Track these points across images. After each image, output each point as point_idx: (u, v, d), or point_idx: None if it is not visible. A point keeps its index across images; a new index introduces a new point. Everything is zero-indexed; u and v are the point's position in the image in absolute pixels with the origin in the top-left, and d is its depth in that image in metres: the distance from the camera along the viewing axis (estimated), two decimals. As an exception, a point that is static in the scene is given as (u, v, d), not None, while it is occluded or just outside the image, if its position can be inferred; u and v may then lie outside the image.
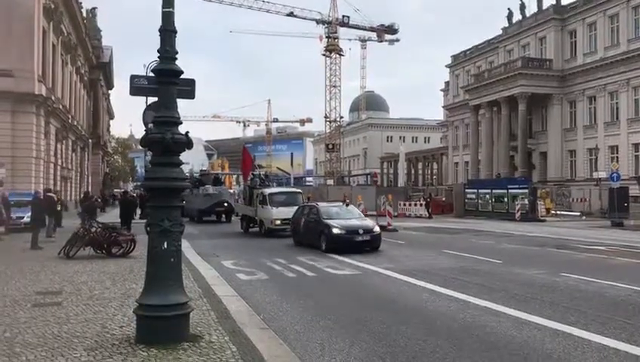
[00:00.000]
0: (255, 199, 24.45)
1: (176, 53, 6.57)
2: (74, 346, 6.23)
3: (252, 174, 28.74)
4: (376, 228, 17.76)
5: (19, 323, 7.31)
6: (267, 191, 24.44)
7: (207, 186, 34.74)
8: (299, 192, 26.08)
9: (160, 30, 6.51)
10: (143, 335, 6.31)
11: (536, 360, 6.22)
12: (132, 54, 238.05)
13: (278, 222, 22.53)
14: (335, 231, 17.09)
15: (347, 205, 20.70)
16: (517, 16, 56.17)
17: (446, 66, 70.27)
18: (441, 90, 75.90)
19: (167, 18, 6.49)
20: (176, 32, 6.56)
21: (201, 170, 54.08)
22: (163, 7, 6.49)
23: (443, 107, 74.95)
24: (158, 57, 6.55)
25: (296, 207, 21.75)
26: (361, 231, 17.16)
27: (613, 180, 30.90)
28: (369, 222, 18.49)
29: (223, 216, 34.13)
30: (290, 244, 19.82)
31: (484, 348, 6.73)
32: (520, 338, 7.12)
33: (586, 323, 7.84)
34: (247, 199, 26.30)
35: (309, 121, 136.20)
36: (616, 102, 45.58)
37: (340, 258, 15.54)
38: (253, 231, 25.10)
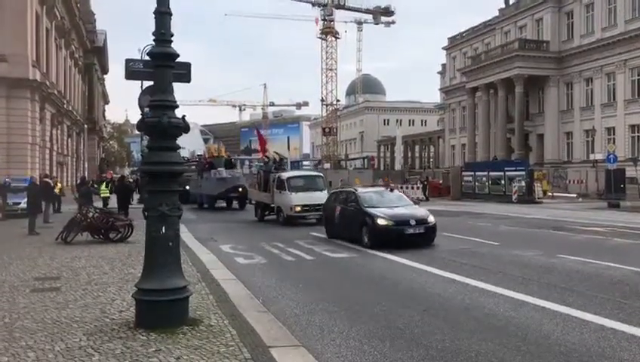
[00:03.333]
0: (272, 184, 22.44)
1: (172, 35, 6.50)
2: (73, 331, 6.24)
3: (266, 157, 26.61)
4: (431, 218, 14.55)
5: (18, 309, 7.31)
6: (285, 175, 22.33)
7: (220, 169, 31.08)
8: (320, 176, 23.87)
9: (155, 12, 6.43)
10: (142, 319, 6.32)
11: (534, 341, 6.26)
12: (127, 39, 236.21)
13: (299, 208, 20.74)
14: (381, 222, 14.09)
15: (391, 190, 17.52)
16: (514, -2, 55.86)
17: (442, 48, 69.90)
18: (438, 72, 75.68)
19: (162, 0, 6.41)
20: (171, 15, 6.49)
21: (198, 155, 53.26)
22: (158, -11, 6.41)
23: (440, 90, 74.76)
24: (154, 40, 6.48)
25: (317, 192, 20.67)
26: (412, 222, 14.12)
27: (610, 162, 30.91)
28: (421, 211, 15.22)
29: (236, 202, 31.47)
30: (290, 229, 19.83)
31: (482, 329, 6.76)
32: (518, 320, 7.16)
33: (584, 303, 7.88)
34: (262, 184, 23.99)
35: (306, 104, 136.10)
36: (613, 84, 45.46)
37: (338, 241, 15.56)
38: (269, 219, 23.08)
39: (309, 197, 20.64)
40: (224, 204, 32.30)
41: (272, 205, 22.54)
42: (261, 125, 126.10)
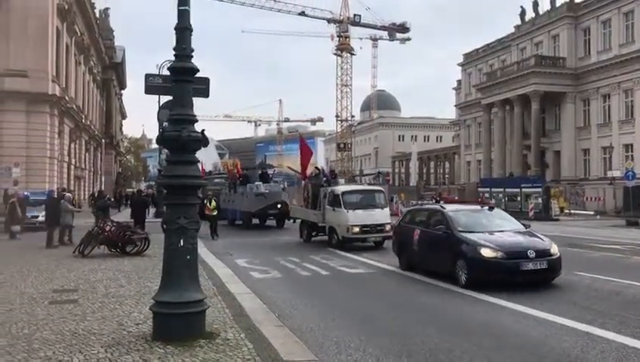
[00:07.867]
0: (322, 200, 19.27)
1: (192, 51, 6.59)
2: (91, 343, 6.27)
3: (317, 169, 23.30)
4: (555, 249, 10.84)
5: (37, 320, 7.38)
6: (340, 189, 19.13)
7: (257, 184, 27.64)
8: (381, 191, 20.18)
9: (176, 28, 6.55)
10: (159, 332, 6.34)
11: (554, 359, 6.17)
12: (144, 55, 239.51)
13: (357, 229, 17.60)
14: (487, 253, 10.41)
15: (490, 208, 13.48)
16: (530, 14, 55.79)
17: (458, 65, 69.90)
18: (454, 88, 75.59)
19: (183, 16, 6.52)
20: (191, 30, 6.59)
21: (219, 171, 53.11)
22: (179, 6, 6.53)
23: (455, 106, 74.59)
24: (174, 55, 6.57)
25: (377, 210, 17.98)
26: (531, 254, 10.30)
27: (628, 179, 30.57)
28: (541, 239, 11.26)
29: (273, 219, 28.18)
30: (306, 245, 19.77)
31: (501, 346, 6.69)
32: (537, 337, 7.07)
33: (604, 321, 7.76)
34: (310, 200, 20.80)
35: (321, 120, 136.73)
36: (631, 100, 45.05)
37: (354, 256, 15.51)
38: (317, 241, 20.05)
39: (368, 216, 17.78)
40: (257, 222, 28.73)
41: (322, 224, 19.45)
42: (274, 142, 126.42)
